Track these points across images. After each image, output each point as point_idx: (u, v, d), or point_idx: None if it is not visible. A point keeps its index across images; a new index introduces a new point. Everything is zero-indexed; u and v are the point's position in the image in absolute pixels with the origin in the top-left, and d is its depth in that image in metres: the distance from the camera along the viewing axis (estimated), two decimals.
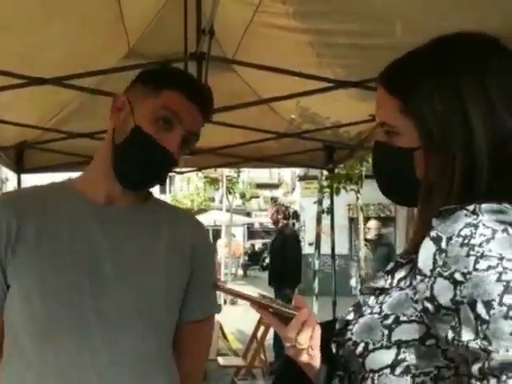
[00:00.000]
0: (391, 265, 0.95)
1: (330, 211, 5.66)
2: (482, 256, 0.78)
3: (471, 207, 0.83)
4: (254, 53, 3.14)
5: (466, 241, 0.80)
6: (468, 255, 0.79)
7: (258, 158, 4.97)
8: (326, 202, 7.59)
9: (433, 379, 0.85)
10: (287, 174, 34.40)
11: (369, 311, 0.91)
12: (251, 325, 6.39)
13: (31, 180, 5.52)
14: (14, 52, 2.68)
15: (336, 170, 5.74)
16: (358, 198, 10.08)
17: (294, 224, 15.27)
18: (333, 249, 5.24)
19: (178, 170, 6.30)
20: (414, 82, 0.91)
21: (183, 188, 29.01)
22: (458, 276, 0.80)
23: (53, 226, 1.28)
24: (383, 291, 0.92)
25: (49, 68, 2.96)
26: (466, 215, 0.82)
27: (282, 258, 6.82)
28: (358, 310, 0.94)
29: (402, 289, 0.89)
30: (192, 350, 1.44)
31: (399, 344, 0.86)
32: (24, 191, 1.37)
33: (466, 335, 0.78)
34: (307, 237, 15.66)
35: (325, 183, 7.63)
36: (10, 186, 15.52)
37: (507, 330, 0.74)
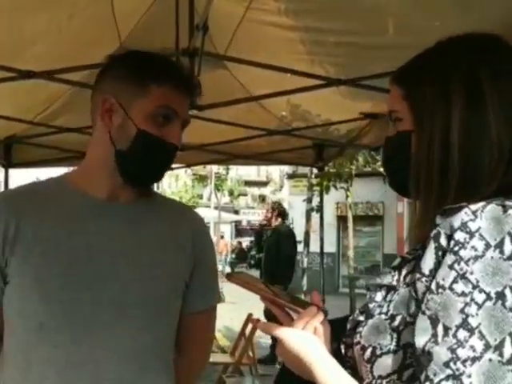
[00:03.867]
0: (398, 260, 0.95)
1: (320, 209, 5.68)
2: (463, 277, 0.78)
3: (474, 207, 0.82)
4: (246, 50, 3.14)
5: (457, 248, 0.80)
6: (451, 267, 0.79)
7: (248, 155, 4.97)
8: (315, 200, 7.61)
9: None
10: (275, 171, 34.47)
11: (377, 311, 0.91)
12: (238, 322, 6.39)
13: (18, 175, 5.48)
14: (2, 45, 2.65)
15: (326, 168, 5.75)
16: (347, 197, 10.12)
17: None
18: (321, 247, 5.25)
19: None
20: (415, 73, 0.97)
21: (171, 185, 28.95)
22: (433, 284, 0.80)
23: (51, 222, 1.28)
24: (391, 288, 0.92)
25: (37, 62, 2.93)
26: (465, 213, 0.82)
27: (276, 256, 6.83)
28: (367, 309, 0.93)
29: (407, 285, 0.89)
30: (196, 340, 1.45)
31: (406, 347, 0.85)
32: (22, 188, 1.37)
33: (422, 339, 0.79)
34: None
35: (314, 181, 7.66)
36: None
37: (443, 358, 0.76)
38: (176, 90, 1.30)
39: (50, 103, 3.78)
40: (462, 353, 0.75)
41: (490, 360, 0.74)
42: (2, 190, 4.77)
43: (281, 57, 3.04)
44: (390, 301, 0.90)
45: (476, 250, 0.78)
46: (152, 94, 1.27)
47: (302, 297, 6.78)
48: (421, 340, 0.79)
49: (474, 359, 0.75)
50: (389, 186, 1.04)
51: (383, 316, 0.89)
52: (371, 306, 0.93)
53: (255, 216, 34.43)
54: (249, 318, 6.03)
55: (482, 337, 0.75)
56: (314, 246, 7.96)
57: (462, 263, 0.78)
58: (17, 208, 1.28)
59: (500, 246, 0.78)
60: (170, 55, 2.82)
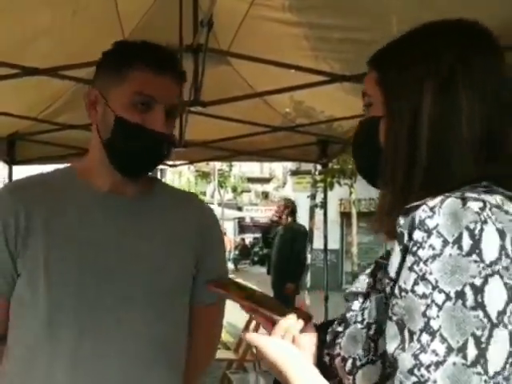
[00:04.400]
0: (372, 266, 0.92)
1: (323, 206, 5.67)
2: (423, 278, 0.74)
3: (432, 203, 0.77)
4: (249, 46, 3.13)
5: (415, 249, 0.76)
6: (411, 269, 0.76)
7: (251, 151, 4.96)
8: (319, 197, 7.60)
9: None
10: (278, 168, 34.43)
11: (353, 320, 0.88)
12: (242, 318, 6.40)
13: (22, 172, 5.49)
14: (5, 41, 2.65)
15: (329, 165, 5.74)
16: (351, 193, 10.12)
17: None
18: (325, 243, 5.25)
19: (169, 163, 6.28)
20: (390, 57, 0.94)
21: (175, 181, 29.00)
22: (396, 288, 0.77)
23: (60, 214, 1.27)
24: (366, 295, 0.89)
25: (40, 59, 2.93)
26: (423, 210, 0.77)
27: (290, 254, 6.84)
28: (345, 319, 0.90)
29: (379, 291, 0.85)
30: (204, 334, 1.44)
31: (383, 356, 0.80)
32: (31, 179, 1.35)
33: (392, 347, 0.76)
34: None
35: (318, 178, 7.64)
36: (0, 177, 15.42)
37: (407, 365, 0.73)
38: (153, 73, 1.24)
39: (54, 100, 3.78)
40: (425, 358, 0.72)
41: (454, 363, 0.71)
42: None
43: (285, 53, 3.03)
44: (364, 308, 0.87)
45: (434, 248, 0.75)
46: (128, 81, 1.24)
47: (306, 293, 6.78)
48: (391, 347, 0.76)
49: (438, 364, 0.71)
50: (357, 171, 1.01)
51: (359, 325, 0.86)
52: (348, 315, 0.90)
53: (258, 213, 34.42)
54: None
55: (443, 340, 0.72)
56: (318, 243, 7.95)
57: (421, 264, 0.75)
58: (26, 199, 1.27)
59: (458, 241, 0.74)
60: (173, 51, 2.83)
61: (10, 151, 4.61)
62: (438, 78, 0.85)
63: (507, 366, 0.72)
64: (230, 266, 22.57)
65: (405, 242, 0.78)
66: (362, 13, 2.46)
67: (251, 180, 35.34)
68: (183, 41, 2.81)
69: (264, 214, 33.52)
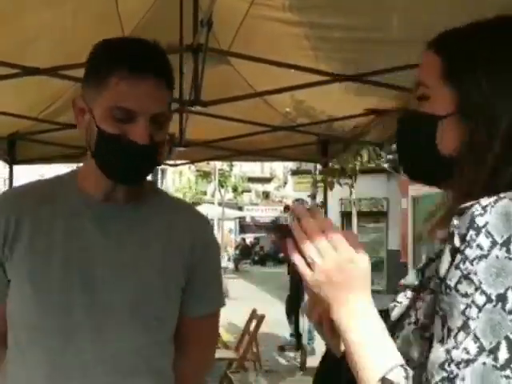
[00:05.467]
0: (425, 261, 0.91)
1: (324, 205, 5.67)
2: (467, 277, 0.74)
3: (485, 201, 0.77)
4: (250, 46, 3.13)
5: (463, 247, 0.76)
6: (457, 267, 0.76)
7: (252, 151, 4.96)
8: (320, 197, 7.60)
9: None
10: (279, 168, 34.42)
11: (407, 320, 0.87)
12: (242, 317, 6.40)
13: (22, 171, 5.49)
14: (6, 41, 2.65)
15: (330, 165, 5.74)
16: (351, 193, 10.11)
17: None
18: None
19: (170, 162, 6.28)
20: (468, 46, 0.85)
21: (175, 181, 28.97)
22: (443, 285, 0.77)
23: (48, 222, 1.26)
24: (416, 290, 0.89)
25: (41, 59, 2.93)
26: (475, 209, 0.76)
27: None
28: (398, 324, 0.89)
29: (432, 291, 0.84)
30: (200, 343, 1.42)
31: None
32: (25, 187, 1.35)
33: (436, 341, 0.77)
34: None
35: (318, 177, 7.64)
36: (1, 177, 15.43)
37: (439, 359, 0.73)
38: (131, 82, 1.14)
39: (54, 100, 3.78)
40: (457, 355, 0.73)
41: (484, 364, 0.71)
42: (7, 186, 4.77)
43: (285, 53, 3.03)
44: (417, 309, 0.86)
45: (481, 248, 0.74)
46: (106, 91, 1.16)
47: None
48: (436, 342, 0.77)
49: (468, 362, 0.72)
50: (400, 167, 0.95)
51: (412, 326, 0.85)
52: (395, 312, 0.90)
53: (259, 212, 34.40)
54: (253, 314, 6.03)
55: (476, 339, 0.72)
56: None
57: (467, 263, 0.75)
58: (18, 206, 1.27)
59: (507, 244, 0.74)
60: (174, 51, 2.82)
61: (10, 151, 4.61)
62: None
63: None
64: (231, 265, 22.57)
65: (454, 241, 0.77)
66: (363, 12, 2.45)
67: (252, 180, 35.32)
68: (183, 41, 2.81)
69: (265, 213, 33.51)
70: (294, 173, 18.32)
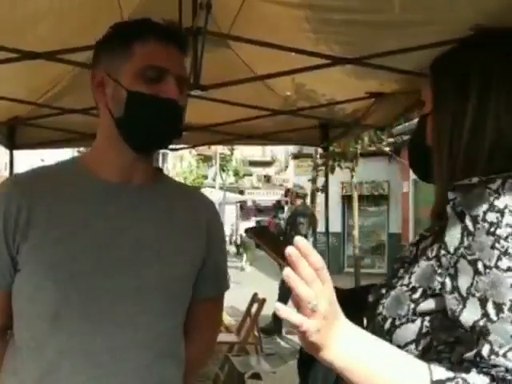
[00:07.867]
0: (417, 237, 1.02)
1: (325, 189, 5.66)
2: (506, 253, 0.83)
3: (494, 186, 0.87)
4: (250, 29, 3.10)
5: (493, 229, 0.84)
6: (493, 247, 0.83)
7: (253, 135, 4.94)
8: (321, 180, 7.61)
9: (453, 350, 0.88)
10: (280, 151, 34.36)
11: (399, 282, 0.96)
12: (243, 301, 6.42)
13: (23, 156, 5.48)
14: (4, 25, 2.63)
15: (331, 148, 5.73)
16: (352, 176, 10.09)
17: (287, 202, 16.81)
18: (327, 227, 5.25)
19: (171, 146, 6.25)
20: (443, 63, 1.06)
21: (176, 165, 28.94)
22: (480, 266, 0.83)
23: (66, 208, 1.24)
24: (411, 261, 0.98)
25: (40, 43, 2.90)
26: (489, 194, 0.87)
27: (309, 235, 7.42)
28: (390, 283, 0.98)
29: (428, 258, 0.93)
30: (204, 326, 1.44)
31: (423, 316, 0.90)
32: (35, 172, 1.34)
33: (470, 317, 0.82)
34: None
35: (319, 161, 7.63)
36: (1, 161, 15.41)
37: (507, 332, 0.79)
38: (162, 45, 1.25)
39: (54, 85, 3.75)
40: None
41: None
42: (7, 171, 4.76)
43: (285, 35, 3.00)
44: (412, 272, 0.94)
45: (511, 226, 0.84)
46: (136, 56, 1.24)
47: None
48: (469, 319, 0.82)
49: None
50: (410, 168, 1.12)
51: (404, 288, 0.94)
52: (394, 280, 0.97)
53: (260, 196, 34.42)
54: (254, 298, 6.06)
55: None
56: (320, 226, 7.97)
57: (502, 241, 0.83)
58: (29, 192, 1.25)
59: None
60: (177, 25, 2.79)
61: (10, 136, 4.60)
62: (480, 84, 0.97)
63: None
64: (233, 249, 22.65)
65: (466, 222, 0.86)
66: None
67: (253, 163, 35.30)
68: (182, 24, 2.78)
69: (266, 197, 33.53)
70: (295, 156, 18.28)
